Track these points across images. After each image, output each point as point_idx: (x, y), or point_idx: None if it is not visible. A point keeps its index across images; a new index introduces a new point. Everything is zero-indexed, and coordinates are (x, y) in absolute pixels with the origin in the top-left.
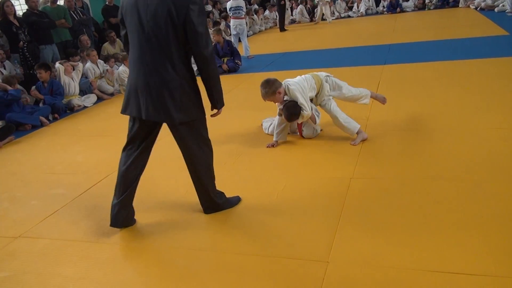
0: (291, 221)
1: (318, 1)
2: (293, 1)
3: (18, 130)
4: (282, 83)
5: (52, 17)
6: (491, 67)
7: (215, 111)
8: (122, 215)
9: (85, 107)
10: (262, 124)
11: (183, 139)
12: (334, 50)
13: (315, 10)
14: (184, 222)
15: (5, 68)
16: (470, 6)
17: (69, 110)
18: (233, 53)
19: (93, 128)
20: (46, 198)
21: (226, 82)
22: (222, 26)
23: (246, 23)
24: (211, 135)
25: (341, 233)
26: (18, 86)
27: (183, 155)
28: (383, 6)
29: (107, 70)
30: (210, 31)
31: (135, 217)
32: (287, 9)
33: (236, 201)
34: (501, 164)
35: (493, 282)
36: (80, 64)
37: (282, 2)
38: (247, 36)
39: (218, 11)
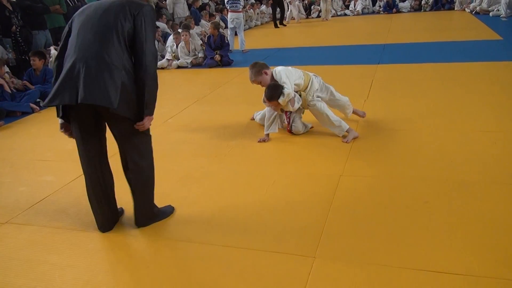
0: (279, 216)
1: None
2: None
3: (8, 116)
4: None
5: (46, 2)
6: (484, 71)
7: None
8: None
9: None
10: (254, 118)
11: (122, 131)
12: (329, 47)
13: (312, 7)
14: (171, 214)
15: None
16: (466, 9)
17: None
18: (222, 46)
19: None
20: (35, 184)
21: (219, 75)
22: (217, 19)
23: (243, 16)
24: (204, 128)
25: (329, 229)
26: (6, 69)
27: (121, 155)
28: (380, 6)
29: None
30: (207, 23)
31: (122, 207)
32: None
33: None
34: (489, 167)
35: (477, 282)
36: None
37: (270, 1)
38: (244, 30)
39: (214, 4)
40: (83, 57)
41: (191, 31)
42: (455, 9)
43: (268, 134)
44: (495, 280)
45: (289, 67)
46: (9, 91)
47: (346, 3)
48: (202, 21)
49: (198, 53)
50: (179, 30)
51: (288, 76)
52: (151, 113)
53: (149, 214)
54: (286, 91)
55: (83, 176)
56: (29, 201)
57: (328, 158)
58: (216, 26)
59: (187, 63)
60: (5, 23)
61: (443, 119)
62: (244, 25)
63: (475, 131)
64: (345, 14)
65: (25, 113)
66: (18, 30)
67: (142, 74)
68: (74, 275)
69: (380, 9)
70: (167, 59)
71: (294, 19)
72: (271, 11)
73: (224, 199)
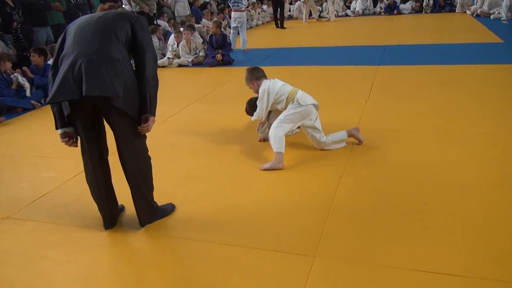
0: (280, 215)
1: None
2: None
3: (9, 112)
4: (266, 80)
5: None
6: (484, 74)
7: (144, 123)
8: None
9: None
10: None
11: (121, 124)
12: (330, 48)
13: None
14: (172, 212)
15: None
16: (467, 11)
17: None
18: (224, 45)
19: None
20: (35, 180)
21: (220, 75)
22: (224, 23)
23: (246, 16)
24: (204, 127)
25: (329, 229)
26: (9, 65)
27: (118, 143)
28: (381, 7)
29: None
30: (208, 21)
31: (123, 205)
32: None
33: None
34: (490, 169)
35: (476, 283)
36: None
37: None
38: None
39: (216, 3)
40: (83, 53)
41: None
42: (456, 11)
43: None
44: (494, 282)
45: (280, 83)
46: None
47: (347, 4)
48: (204, 20)
49: (199, 51)
50: (181, 29)
51: (266, 97)
52: (154, 113)
53: (150, 211)
54: (255, 114)
55: (83, 173)
56: (29, 197)
57: (328, 159)
58: (219, 25)
59: (188, 61)
60: (6, 19)
61: (443, 121)
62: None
63: (475, 134)
64: (346, 15)
65: (26, 109)
66: (19, 26)
67: (145, 75)
68: (75, 271)
69: (381, 10)
70: (168, 57)
71: (313, 17)
72: (271, 11)
73: (225, 198)
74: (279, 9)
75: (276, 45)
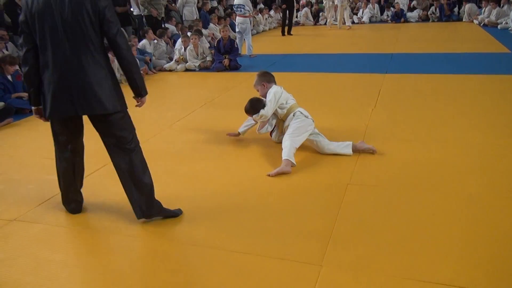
0: (286, 222)
1: (339, 4)
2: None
3: (17, 113)
4: (275, 85)
5: None
6: (491, 84)
7: (139, 101)
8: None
9: None
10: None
11: (112, 125)
12: (336, 55)
13: (320, 14)
14: (178, 216)
15: (7, 50)
16: (474, 21)
17: None
18: (231, 50)
19: None
20: (43, 182)
21: (227, 80)
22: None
23: (251, 21)
24: (211, 131)
25: (336, 237)
26: (13, 69)
27: (113, 142)
28: (387, 15)
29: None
30: (218, 27)
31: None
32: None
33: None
34: (498, 180)
35: None
36: None
37: (283, 6)
38: (251, 35)
39: (223, 8)
40: (66, 70)
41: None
42: (463, 20)
43: (239, 133)
44: None
45: (286, 94)
46: None
47: (354, 11)
48: (211, 25)
49: (207, 56)
50: (188, 34)
51: (276, 98)
52: (146, 92)
53: (150, 204)
54: (262, 111)
55: (90, 176)
56: (37, 199)
57: (335, 167)
58: (225, 27)
59: (195, 66)
60: (17, 21)
61: (451, 131)
62: (252, 30)
63: (483, 144)
64: (353, 22)
65: None
66: None
67: (123, 57)
68: (81, 275)
69: (388, 18)
70: (175, 61)
71: (345, 24)
72: (279, 17)
73: (230, 203)
74: (288, 15)
75: (282, 51)
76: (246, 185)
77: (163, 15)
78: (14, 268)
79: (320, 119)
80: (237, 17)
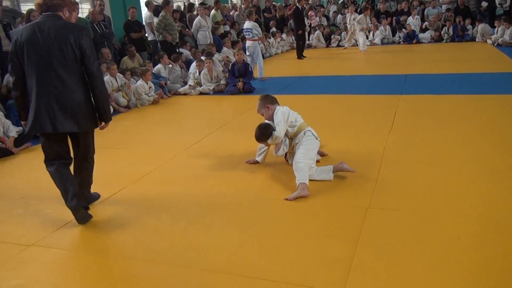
0: (307, 247)
1: (352, 27)
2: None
3: (35, 138)
4: (278, 106)
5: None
6: (509, 104)
7: (104, 126)
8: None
9: None
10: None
11: (84, 141)
12: (350, 77)
13: (332, 36)
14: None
15: None
16: (487, 41)
17: None
18: (245, 73)
19: (108, 140)
20: (61, 207)
21: (241, 103)
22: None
23: (260, 44)
24: (227, 155)
25: (357, 265)
26: None
27: (80, 154)
28: (399, 37)
29: (124, 83)
30: (232, 50)
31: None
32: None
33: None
34: None
35: None
36: None
37: (300, 32)
38: (264, 58)
39: (236, 32)
40: (50, 94)
41: (213, 57)
42: (476, 40)
43: (258, 161)
44: None
45: (293, 113)
46: None
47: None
48: (224, 48)
49: (221, 80)
50: (202, 58)
51: (284, 118)
52: (110, 118)
53: (89, 194)
54: (275, 134)
55: (109, 200)
56: (55, 224)
57: (353, 190)
58: (239, 51)
59: (210, 89)
60: None
61: (470, 152)
62: (265, 53)
63: (502, 164)
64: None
65: None
66: None
67: (95, 86)
68: None
69: (400, 40)
70: (189, 85)
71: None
72: (291, 40)
73: (249, 228)
74: (301, 38)
75: (296, 74)
76: (265, 210)
77: (177, 40)
78: None
79: (337, 141)
80: (246, 41)
